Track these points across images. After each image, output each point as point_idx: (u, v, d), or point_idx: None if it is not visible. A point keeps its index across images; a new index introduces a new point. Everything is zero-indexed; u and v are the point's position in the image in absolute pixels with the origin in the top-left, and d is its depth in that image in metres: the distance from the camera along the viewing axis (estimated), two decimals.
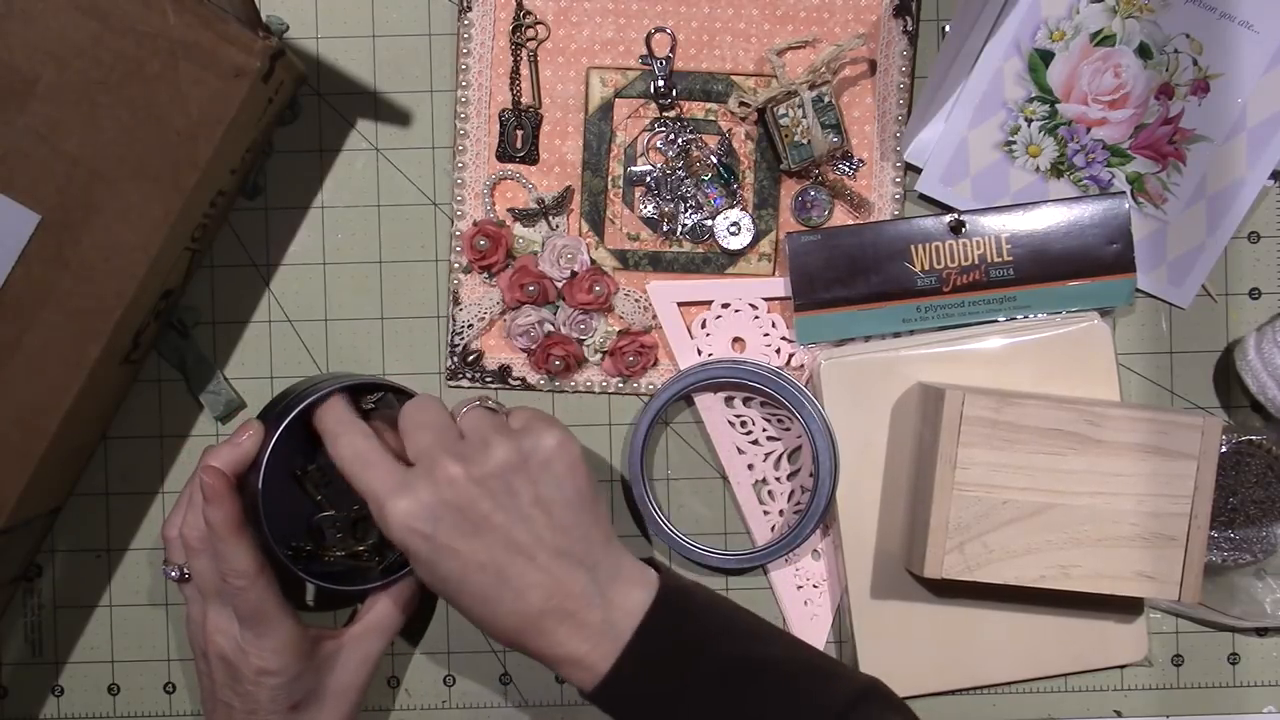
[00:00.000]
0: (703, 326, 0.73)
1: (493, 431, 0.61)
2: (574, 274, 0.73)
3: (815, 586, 0.74)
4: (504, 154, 0.73)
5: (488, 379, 0.74)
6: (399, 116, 0.74)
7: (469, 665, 0.75)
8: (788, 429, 0.74)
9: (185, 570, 0.66)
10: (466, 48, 0.72)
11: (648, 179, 0.73)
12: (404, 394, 0.69)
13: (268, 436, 0.66)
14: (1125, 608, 0.72)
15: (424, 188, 0.74)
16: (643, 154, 0.73)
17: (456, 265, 0.73)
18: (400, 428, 0.63)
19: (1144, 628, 0.73)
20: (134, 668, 0.75)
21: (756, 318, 0.73)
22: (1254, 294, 0.74)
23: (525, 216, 0.73)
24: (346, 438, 0.63)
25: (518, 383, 0.74)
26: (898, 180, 0.73)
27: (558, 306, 0.73)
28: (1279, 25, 0.71)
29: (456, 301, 0.73)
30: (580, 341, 0.73)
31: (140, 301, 0.64)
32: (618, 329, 0.74)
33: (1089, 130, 0.72)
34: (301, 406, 0.66)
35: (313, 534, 0.70)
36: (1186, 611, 0.74)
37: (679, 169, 0.73)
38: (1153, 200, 0.72)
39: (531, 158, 0.73)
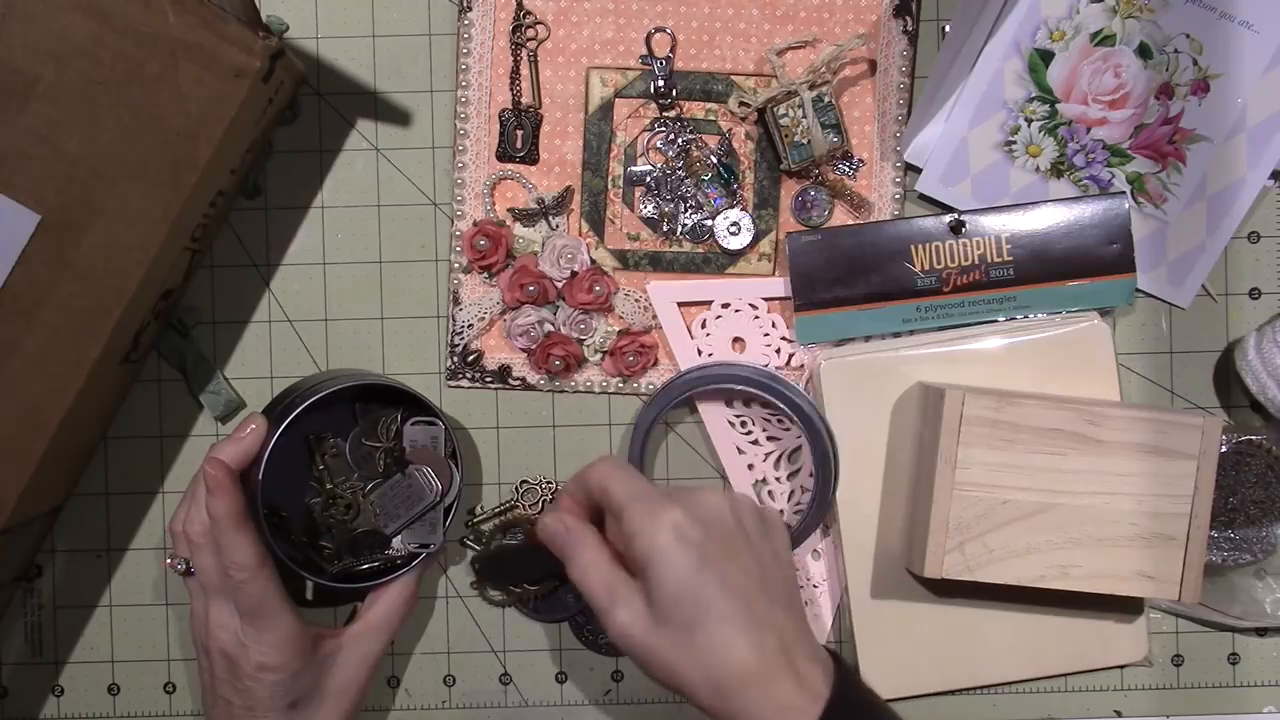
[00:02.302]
0: (703, 326, 0.73)
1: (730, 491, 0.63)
2: (574, 274, 0.73)
3: (815, 586, 0.74)
4: (504, 154, 0.73)
5: (488, 379, 0.74)
6: (399, 116, 0.74)
7: (469, 665, 0.75)
8: (787, 429, 0.74)
9: (190, 564, 0.66)
10: (466, 48, 0.72)
11: (648, 179, 0.73)
12: (423, 407, 0.69)
13: (270, 433, 0.66)
14: (1125, 608, 0.72)
15: (424, 188, 0.74)
16: (643, 154, 0.73)
17: (456, 265, 0.73)
18: (594, 485, 0.63)
19: (1144, 628, 0.73)
20: (134, 668, 0.75)
21: (756, 318, 0.73)
22: (1254, 294, 0.74)
23: (525, 216, 0.73)
24: (609, 459, 0.63)
25: (518, 383, 0.74)
26: (898, 180, 0.73)
27: (558, 306, 0.73)
28: (1279, 25, 0.71)
29: (456, 301, 0.73)
30: (580, 341, 0.73)
31: (140, 301, 0.64)
32: (618, 329, 0.74)
33: (1089, 130, 0.72)
34: (304, 405, 0.66)
35: (307, 528, 0.70)
36: (1186, 611, 0.74)
37: (679, 169, 0.73)
38: (1153, 200, 0.72)
39: (531, 158, 0.73)
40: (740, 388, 0.72)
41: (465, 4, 0.72)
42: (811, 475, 0.72)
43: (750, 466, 0.74)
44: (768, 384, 0.71)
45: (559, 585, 0.73)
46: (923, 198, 0.73)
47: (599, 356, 0.74)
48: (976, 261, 0.71)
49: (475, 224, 0.73)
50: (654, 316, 0.73)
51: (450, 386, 0.74)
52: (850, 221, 0.73)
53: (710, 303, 0.73)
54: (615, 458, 0.66)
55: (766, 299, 0.73)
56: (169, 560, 0.67)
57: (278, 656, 0.65)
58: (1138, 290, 0.73)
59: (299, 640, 0.65)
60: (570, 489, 0.64)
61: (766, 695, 0.57)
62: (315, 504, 0.70)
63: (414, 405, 0.70)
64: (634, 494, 0.60)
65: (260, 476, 0.66)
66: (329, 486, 0.70)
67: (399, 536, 0.70)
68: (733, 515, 0.60)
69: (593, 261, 0.73)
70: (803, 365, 0.73)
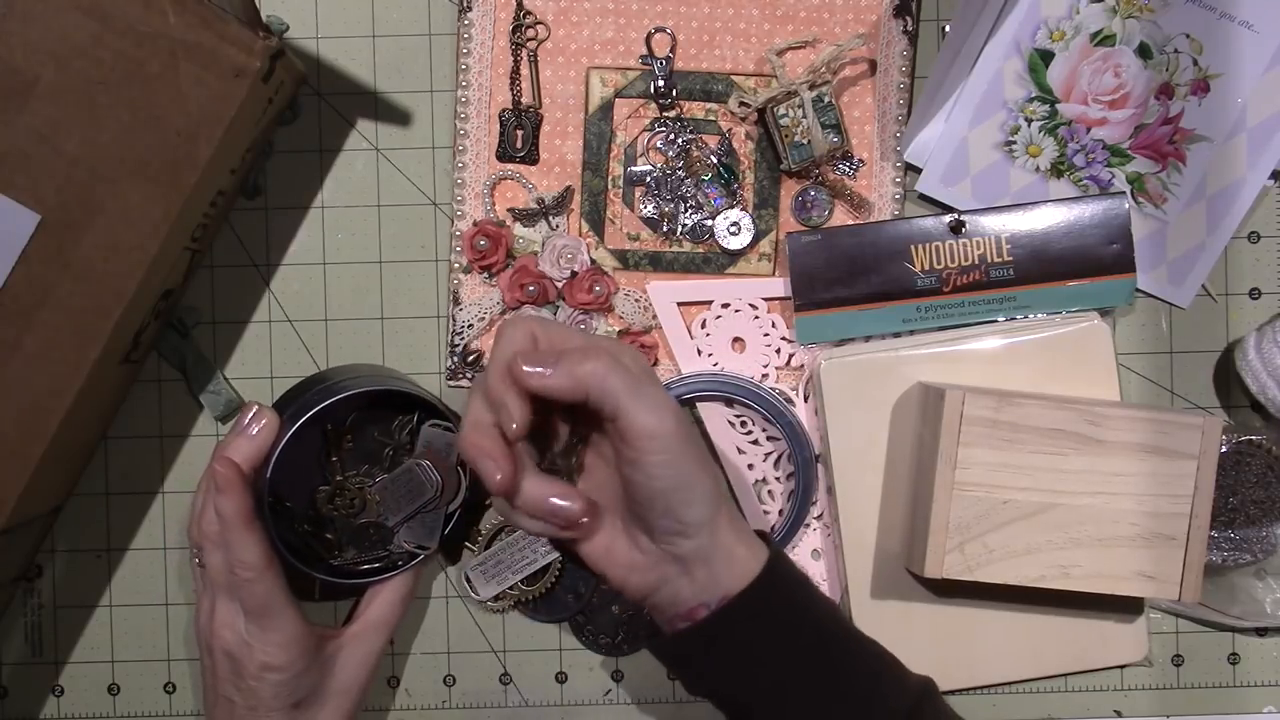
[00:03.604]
0: (703, 326, 0.73)
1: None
2: (574, 274, 0.73)
3: None
4: (504, 154, 0.73)
5: None
6: (399, 116, 0.74)
7: (469, 665, 0.75)
8: None
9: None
10: (466, 48, 0.72)
11: (648, 179, 0.73)
12: (439, 412, 0.69)
13: (282, 432, 0.66)
14: (1125, 608, 0.72)
15: (424, 188, 0.74)
16: (643, 154, 0.73)
17: (456, 265, 0.73)
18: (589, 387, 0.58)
19: (1144, 628, 0.73)
20: (134, 668, 0.75)
21: (756, 318, 0.73)
22: (1254, 294, 0.74)
23: (525, 216, 0.73)
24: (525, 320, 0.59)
25: None
26: (898, 180, 0.73)
27: (558, 306, 0.73)
28: (1279, 25, 0.71)
29: (456, 301, 0.73)
30: None
31: (140, 301, 0.64)
32: (618, 329, 0.74)
33: (1089, 130, 0.72)
34: (320, 407, 0.66)
35: (311, 518, 0.70)
36: (1186, 611, 0.74)
37: (679, 169, 0.73)
38: (1153, 200, 0.72)
39: (531, 158, 0.73)
40: (723, 394, 0.72)
41: (465, 4, 0.72)
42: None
43: (750, 466, 0.74)
44: (750, 390, 0.72)
45: (555, 584, 0.73)
46: (923, 198, 0.73)
47: None
48: (976, 261, 0.71)
49: (475, 224, 0.73)
50: (654, 316, 0.73)
51: (450, 386, 0.74)
52: (850, 221, 0.73)
53: (710, 303, 0.73)
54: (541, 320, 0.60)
55: (766, 299, 0.73)
56: (192, 557, 0.67)
57: (282, 656, 0.65)
58: (1138, 290, 0.73)
59: (303, 640, 0.65)
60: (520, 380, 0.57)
61: (730, 530, 0.60)
62: (322, 494, 0.70)
63: (427, 408, 0.70)
64: (627, 388, 0.56)
65: (269, 475, 0.66)
66: (338, 479, 0.70)
67: (399, 535, 0.70)
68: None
69: (593, 261, 0.73)
70: (803, 365, 0.73)
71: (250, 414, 0.67)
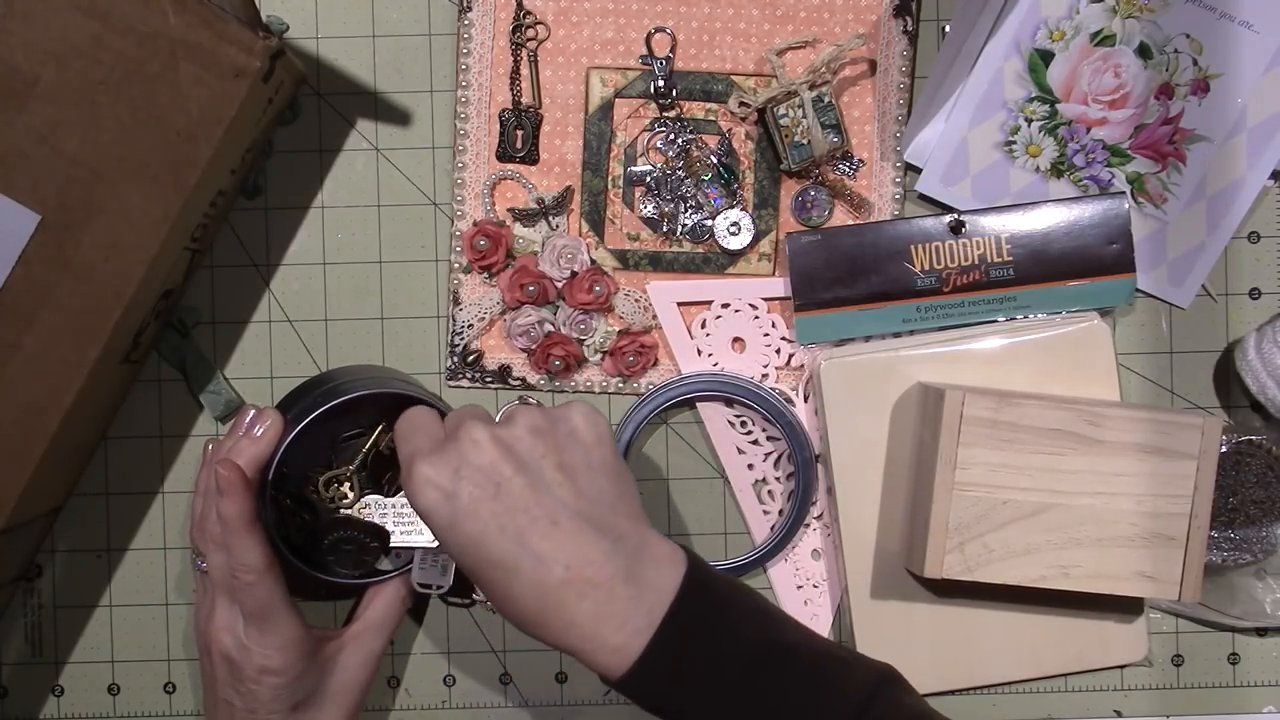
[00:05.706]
0: (703, 326, 0.73)
1: (522, 407, 0.61)
2: (574, 274, 0.73)
3: (815, 586, 0.74)
4: (504, 154, 0.73)
5: (488, 379, 0.74)
6: (399, 116, 0.74)
7: (469, 665, 0.75)
8: None
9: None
10: (466, 48, 0.72)
11: (648, 179, 0.73)
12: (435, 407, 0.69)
13: (285, 433, 0.66)
14: (1125, 608, 0.72)
15: (424, 188, 0.74)
16: (643, 154, 0.73)
17: (456, 265, 0.73)
18: (445, 421, 0.62)
19: (1144, 628, 0.73)
20: (134, 668, 0.75)
21: (756, 318, 0.73)
22: (1254, 294, 0.74)
23: (525, 216, 0.73)
24: (410, 411, 0.62)
25: (518, 383, 0.74)
26: (898, 180, 0.73)
27: (558, 306, 0.73)
28: (1279, 25, 0.71)
29: (456, 301, 0.73)
30: (580, 341, 0.73)
31: (140, 301, 0.64)
32: (618, 329, 0.74)
33: (1089, 130, 0.72)
34: (325, 408, 0.66)
35: (301, 497, 0.70)
36: (1186, 611, 0.74)
37: (679, 169, 0.73)
38: (1153, 200, 0.72)
39: (531, 158, 0.73)
40: (722, 394, 0.72)
41: (465, 4, 0.72)
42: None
43: (750, 466, 0.74)
44: (750, 390, 0.72)
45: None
46: (923, 198, 0.73)
47: (599, 356, 0.74)
48: (976, 261, 0.71)
49: (475, 224, 0.73)
50: (654, 316, 0.73)
51: (450, 386, 0.74)
52: (850, 221, 0.73)
53: (710, 303, 0.73)
54: (417, 411, 0.62)
55: (766, 299, 0.73)
56: (193, 558, 0.67)
57: (280, 660, 0.65)
58: (1138, 290, 0.73)
59: (302, 643, 0.65)
60: None
61: (569, 623, 0.57)
62: (329, 484, 0.70)
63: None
64: (408, 453, 0.59)
65: (270, 477, 0.66)
66: (337, 470, 0.70)
67: (413, 576, 0.70)
68: (495, 449, 0.58)
69: (593, 261, 0.73)
70: (803, 365, 0.73)
71: (254, 415, 0.67)
